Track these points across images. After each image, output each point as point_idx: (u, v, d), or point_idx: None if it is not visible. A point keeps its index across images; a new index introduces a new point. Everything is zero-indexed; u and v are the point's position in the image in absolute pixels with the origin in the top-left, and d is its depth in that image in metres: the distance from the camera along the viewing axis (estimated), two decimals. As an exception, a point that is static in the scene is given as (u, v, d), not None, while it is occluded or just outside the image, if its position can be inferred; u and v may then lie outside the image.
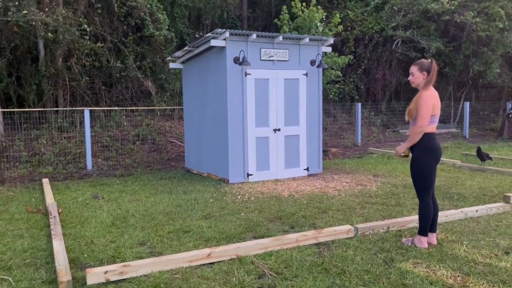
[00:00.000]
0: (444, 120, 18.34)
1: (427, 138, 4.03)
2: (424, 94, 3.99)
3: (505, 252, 3.99)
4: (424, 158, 4.03)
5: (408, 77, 4.27)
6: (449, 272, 3.56)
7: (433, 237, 4.26)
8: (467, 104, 16.17)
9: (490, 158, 9.03)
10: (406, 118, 4.17)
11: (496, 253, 3.99)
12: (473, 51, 16.47)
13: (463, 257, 3.89)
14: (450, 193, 6.58)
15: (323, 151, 11.54)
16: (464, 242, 4.28)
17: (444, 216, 5.06)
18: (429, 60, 4.10)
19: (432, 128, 4.05)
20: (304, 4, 13.70)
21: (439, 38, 16.61)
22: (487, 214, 5.30)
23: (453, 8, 15.48)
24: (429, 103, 3.96)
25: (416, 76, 4.11)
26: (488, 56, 16.12)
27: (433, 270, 3.61)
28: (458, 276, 3.50)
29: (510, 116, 15.45)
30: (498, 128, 16.53)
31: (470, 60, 16.68)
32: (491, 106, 19.25)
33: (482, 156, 8.94)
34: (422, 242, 4.14)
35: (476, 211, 5.30)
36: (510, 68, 18.50)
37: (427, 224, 4.13)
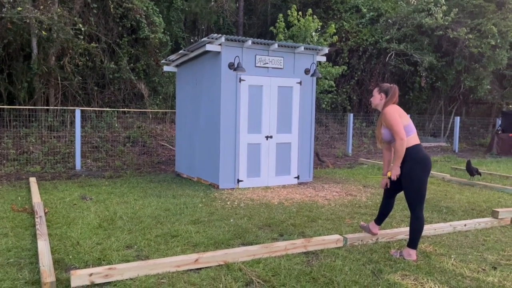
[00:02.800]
0: (434, 134, 18.51)
1: (414, 150, 4.04)
2: (385, 110, 4.11)
3: (492, 267, 4.01)
4: (414, 170, 4.02)
5: (370, 98, 4.42)
6: (437, 285, 3.56)
7: (377, 228, 4.63)
8: (458, 119, 16.34)
9: (479, 173, 9.11)
10: (378, 145, 4.31)
11: (483, 267, 4.00)
12: (465, 66, 16.69)
13: (451, 271, 3.89)
14: (439, 206, 6.61)
15: (320, 160, 11.50)
16: (452, 256, 4.29)
17: (432, 229, 5.08)
18: (391, 84, 4.27)
19: (414, 139, 4.08)
20: (300, 13, 13.79)
21: (432, 52, 16.82)
22: (475, 229, 5.32)
23: (446, 23, 15.71)
24: (394, 115, 4.03)
25: (374, 97, 4.30)
26: (479, 72, 16.35)
27: (421, 283, 3.61)
28: (446, 289, 3.49)
29: (500, 132, 15.64)
30: (487, 144, 16.72)
31: (461, 75, 16.90)
32: (481, 122, 19.48)
33: (471, 170, 9.01)
34: (411, 254, 4.14)
35: (465, 225, 5.32)
36: (500, 85, 18.77)
37: (418, 237, 4.13)
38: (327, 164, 11.24)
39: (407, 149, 4.03)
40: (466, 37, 15.49)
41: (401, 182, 4.18)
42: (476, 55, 16.08)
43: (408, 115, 4.23)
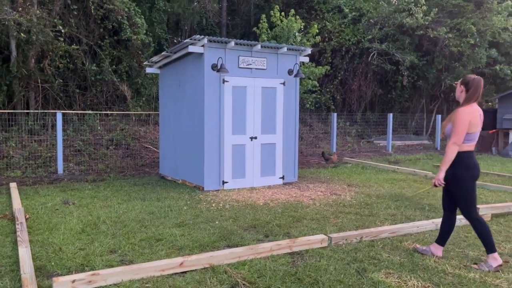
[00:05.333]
0: (417, 132, 18.77)
1: (465, 156, 3.89)
2: (460, 110, 3.87)
3: (474, 263, 4.08)
4: (463, 177, 3.89)
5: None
6: (420, 283, 3.61)
7: (439, 250, 4.25)
8: (439, 116, 16.59)
9: None
10: (441, 136, 4.03)
11: (465, 264, 4.07)
12: (446, 65, 16.98)
13: (433, 268, 3.95)
14: (422, 204, 6.70)
15: (326, 159, 11.39)
16: (434, 253, 4.35)
17: (415, 226, 5.15)
18: (474, 76, 3.97)
19: (470, 146, 3.91)
20: (283, 13, 13.84)
21: (413, 51, 17.06)
22: (457, 225, 5.39)
23: (427, 23, 15.94)
24: (464, 120, 3.81)
25: (457, 89, 4.04)
26: (459, 71, 16.64)
27: (405, 281, 3.65)
28: (429, 286, 3.55)
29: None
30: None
31: (442, 74, 17.19)
32: (462, 120, 19.79)
33: None
34: (496, 258, 3.92)
35: (447, 222, 5.39)
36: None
37: (491, 240, 3.93)
38: (332, 160, 11.21)
39: (459, 153, 3.88)
40: (446, 36, 15.76)
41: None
42: (456, 54, 16.37)
43: (479, 127, 3.91)
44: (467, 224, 5.46)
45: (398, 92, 18.17)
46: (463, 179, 3.91)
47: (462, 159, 3.89)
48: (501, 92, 16.54)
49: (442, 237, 4.26)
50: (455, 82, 4.13)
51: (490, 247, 3.93)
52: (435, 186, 4.01)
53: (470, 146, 3.92)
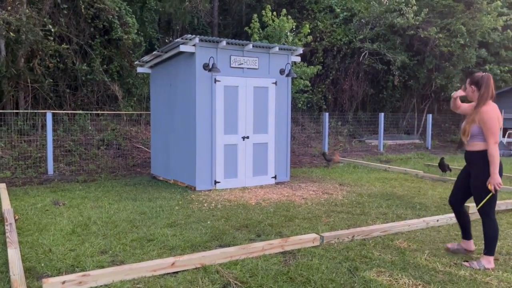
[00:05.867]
0: (408, 131, 18.89)
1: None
2: (486, 109, 3.81)
3: (464, 261, 4.11)
4: (488, 176, 3.83)
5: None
6: (411, 281, 3.63)
7: (470, 244, 4.26)
8: (430, 116, 16.72)
9: (450, 169, 9.34)
10: (464, 138, 3.95)
11: (455, 261, 4.10)
12: (436, 65, 17.12)
13: (424, 266, 3.98)
14: (413, 202, 6.74)
15: (327, 160, 11.02)
16: (425, 251, 4.38)
17: (406, 225, 5.18)
18: (482, 73, 3.94)
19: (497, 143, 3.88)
20: (274, 13, 13.85)
21: (404, 51, 17.17)
22: (447, 224, 5.46)
23: (417, 23, 16.05)
24: (494, 118, 3.79)
25: (467, 90, 4.00)
26: (449, 70, 16.79)
27: (396, 279, 3.67)
28: (420, 284, 3.57)
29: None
30: (458, 140, 17.16)
31: (433, 74, 17.32)
32: (452, 119, 19.99)
33: (444, 167, 9.24)
34: (490, 262, 3.93)
35: (437, 220, 5.45)
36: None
37: (495, 243, 3.92)
38: (334, 160, 10.90)
39: (485, 151, 3.83)
40: (436, 36, 15.88)
41: (468, 188, 4.04)
42: (446, 54, 16.51)
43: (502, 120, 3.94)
44: (457, 223, 5.50)
45: (389, 92, 18.27)
46: (488, 177, 3.84)
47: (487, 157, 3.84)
48: (491, 92, 16.69)
49: (465, 231, 4.29)
50: (463, 86, 4.09)
51: (490, 249, 3.93)
52: (495, 191, 3.87)
53: (497, 144, 3.90)
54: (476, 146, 3.94)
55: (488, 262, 3.93)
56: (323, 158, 11.28)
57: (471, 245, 4.29)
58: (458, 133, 19.04)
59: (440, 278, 3.70)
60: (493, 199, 3.92)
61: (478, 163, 3.93)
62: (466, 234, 4.31)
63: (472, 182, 4.01)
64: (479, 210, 3.98)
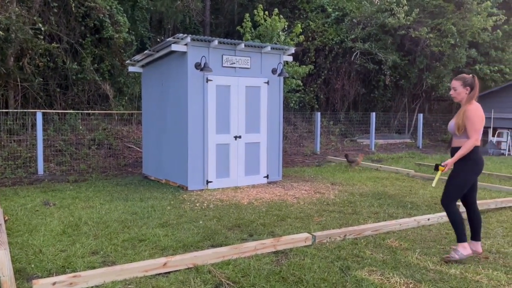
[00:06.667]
0: (399, 130, 19.01)
1: (475, 151, 4.05)
2: (473, 108, 4.04)
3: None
4: (468, 171, 4.05)
5: (451, 92, 4.26)
6: (402, 280, 3.65)
7: (478, 245, 4.26)
8: (421, 115, 16.84)
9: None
10: (456, 132, 4.10)
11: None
12: (427, 65, 17.24)
13: (415, 265, 4.00)
14: (404, 201, 6.78)
15: (350, 161, 10.56)
16: (416, 250, 4.41)
17: (398, 224, 5.21)
18: (471, 75, 4.17)
19: (478, 141, 4.08)
20: (266, 13, 13.85)
21: (395, 51, 17.26)
22: (438, 223, 5.50)
23: (408, 23, 16.15)
24: (480, 116, 4.02)
25: (459, 91, 4.16)
26: (440, 70, 16.92)
27: (387, 278, 3.69)
28: (411, 283, 3.59)
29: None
30: (448, 139, 17.30)
31: (423, 73, 17.44)
32: (443, 118, 20.15)
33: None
34: (466, 248, 4.07)
35: (428, 219, 5.48)
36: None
37: (462, 229, 4.10)
38: (357, 162, 10.53)
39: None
40: (427, 36, 15.99)
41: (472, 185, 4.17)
42: (437, 54, 16.63)
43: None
44: (448, 221, 5.55)
45: (381, 92, 18.37)
46: (468, 172, 4.07)
47: (472, 154, 4.05)
48: (481, 92, 16.87)
49: (474, 233, 4.29)
50: (453, 87, 4.25)
51: (460, 236, 4.10)
52: (443, 171, 4.17)
53: (478, 141, 4.09)
54: (460, 142, 4.13)
55: (463, 248, 4.07)
56: (346, 160, 10.84)
57: (479, 247, 4.27)
58: (448, 132, 19.21)
59: (431, 277, 3.72)
60: (457, 193, 4.10)
61: (462, 159, 4.08)
62: (475, 235, 4.28)
63: (451, 173, 4.19)
64: (443, 199, 4.20)
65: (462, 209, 4.47)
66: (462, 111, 4.10)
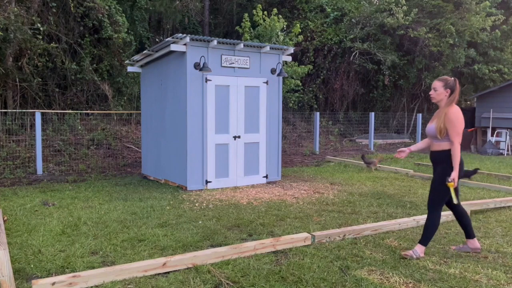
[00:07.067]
0: (398, 130, 19.02)
1: None
2: (453, 111, 4.03)
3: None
4: (450, 174, 4.00)
5: (430, 92, 4.27)
6: (401, 279, 3.65)
7: (475, 242, 4.31)
8: (420, 115, 16.86)
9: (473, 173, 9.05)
10: (437, 136, 4.08)
11: (445, 260, 4.14)
12: (426, 65, 17.26)
13: (414, 264, 4.01)
14: (403, 201, 6.79)
15: (367, 163, 10.28)
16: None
17: (397, 224, 5.21)
18: (453, 78, 4.16)
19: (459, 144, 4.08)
20: (265, 13, 13.85)
21: (394, 51, 17.28)
22: (437, 222, 5.49)
23: (407, 23, 16.17)
24: (461, 118, 4.01)
25: (439, 92, 4.15)
26: (439, 70, 16.93)
27: (387, 277, 3.69)
28: (410, 282, 3.59)
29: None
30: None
31: (422, 73, 17.46)
32: (442, 118, 20.15)
33: (468, 174, 8.95)
34: (423, 251, 4.17)
35: (427, 219, 5.48)
36: (459, 82, 19.47)
37: (432, 235, 4.16)
38: (375, 163, 10.22)
39: (449, 151, 4.03)
40: (426, 36, 16.01)
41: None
42: (436, 54, 16.65)
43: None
44: (447, 221, 5.56)
45: (380, 91, 18.38)
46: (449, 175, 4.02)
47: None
48: (479, 91, 16.90)
49: (467, 231, 4.34)
50: (433, 87, 4.25)
51: (427, 240, 4.18)
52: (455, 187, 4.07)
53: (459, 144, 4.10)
54: (442, 146, 4.12)
55: (421, 251, 4.17)
56: (363, 161, 10.65)
57: (476, 243, 4.33)
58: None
59: (431, 276, 3.73)
60: (446, 195, 4.08)
61: (444, 162, 4.08)
62: (468, 234, 4.34)
63: (434, 177, 4.16)
64: (429, 203, 4.17)
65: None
66: (442, 114, 4.09)
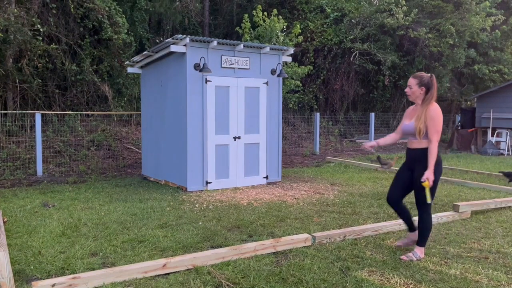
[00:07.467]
0: (398, 130, 18.98)
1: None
2: (433, 108, 3.94)
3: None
4: (435, 173, 3.95)
5: (406, 89, 4.20)
6: (402, 280, 3.65)
7: (415, 235, 4.31)
8: (420, 116, 16.81)
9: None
10: (417, 135, 4.00)
11: (446, 260, 4.13)
12: (426, 65, 17.24)
13: (415, 265, 4.00)
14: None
15: (382, 164, 10.35)
16: (416, 250, 4.40)
17: (397, 224, 5.20)
18: (429, 74, 4.06)
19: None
20: (265, 13, 13.85)
21: (394, 51, 17.27)
22: (437, 223, 5.49)
23: (407, 23, 16.16)
24: (441, 117, 3.93)
25: (413, 90, 4.07)
26: (439, 70, 16.92)
27: (387, 278, 3.69)
28: (411, 283, 3.59)
29: (459, 128, 16.24)
30: (448, 139, 17.32)
31: (422, 74, 17.40)
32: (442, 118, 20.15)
33: (510, 176, 8.68)
34: (423, 252, 4.20)
35: (428, 219, 5.47)
36: (459, 82, 19.49)
37: (428, 235, 4.19)
38: (391, 165, 10.06)
39: (426, 149, 3.96)
40: (426, 36, 16.00)
41: (411, 183, 4.16)
42: (436, 54, 16.64)
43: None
44: (447, 222, 5.55)
45: (380, 92, 18.37)
46: (436, 173, 3.97)
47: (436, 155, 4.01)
48: (480, 92, 16.89)
49: (409, 226, 4.44)
50: (408, 84, 4.16)
51: (424, 241, 4.19)
52: (434, 185, 4.02)
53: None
54: (421, 143, 4.03)
55: (421, 252, 4.17)
56: (378, 162, 10.52)
57: (416, 236, 4.35)
58: (448, 132, 19.23)
59: (431, 277, 3.72)
60: (432, 194, 4.04)
61: (423, 160, 4.00)
62: (411, 228, 4.42)
63: (416, 177, 4.08)
64: (419, 205, 4.15)
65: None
66: (423, 112, 3.99)
